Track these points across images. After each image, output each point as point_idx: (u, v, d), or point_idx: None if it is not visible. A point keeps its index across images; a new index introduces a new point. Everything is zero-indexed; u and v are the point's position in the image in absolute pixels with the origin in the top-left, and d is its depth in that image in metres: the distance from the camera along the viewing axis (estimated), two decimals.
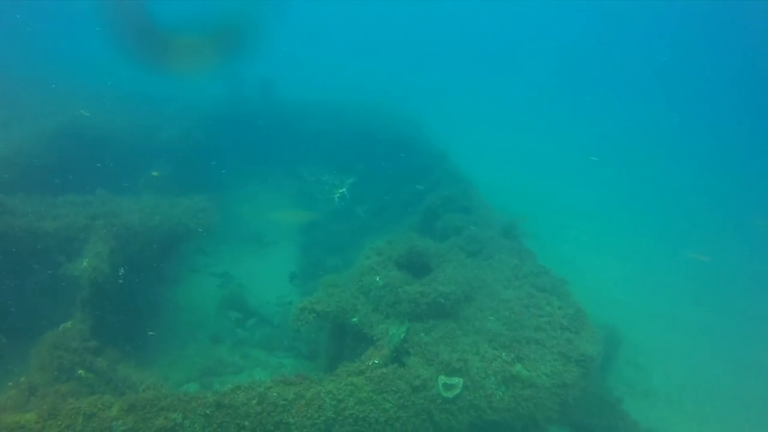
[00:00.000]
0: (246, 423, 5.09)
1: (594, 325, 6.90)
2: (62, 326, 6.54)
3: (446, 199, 10.37)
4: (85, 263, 6.87)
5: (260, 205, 15.95)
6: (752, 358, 12.74)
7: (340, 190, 14.08)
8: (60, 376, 6.12)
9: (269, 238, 14.37)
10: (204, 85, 18.70)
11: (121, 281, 8.04)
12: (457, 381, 5.60)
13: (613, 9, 49.90)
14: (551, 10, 53.63)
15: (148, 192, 9.74)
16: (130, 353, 7.94)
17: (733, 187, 28.46)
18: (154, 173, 11.70)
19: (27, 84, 15.95)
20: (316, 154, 17.22)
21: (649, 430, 8.63)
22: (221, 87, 18.43)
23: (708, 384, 11.40)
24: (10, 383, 5.86)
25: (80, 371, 5.97)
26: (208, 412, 5.07)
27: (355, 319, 6.68)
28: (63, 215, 7.81)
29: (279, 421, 5.19)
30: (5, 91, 14.07)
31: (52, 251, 7.48)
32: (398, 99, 20.32)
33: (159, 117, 14.61)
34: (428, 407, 5.49)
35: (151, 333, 8.73)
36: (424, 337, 6.24)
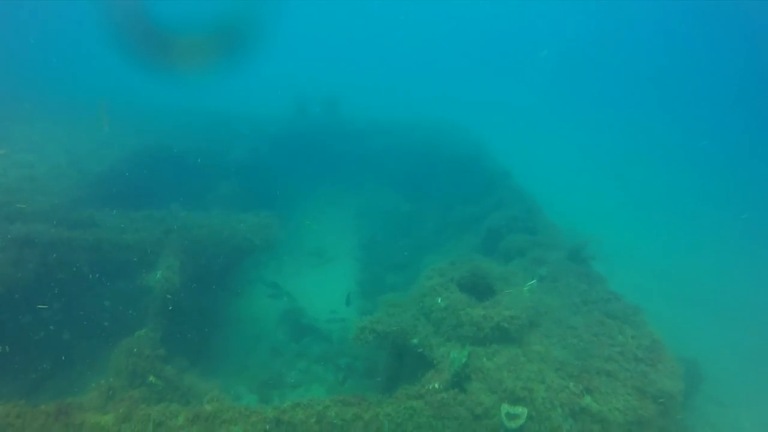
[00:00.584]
0: None
1: (673, 357, 6.38)
2: (137, 334, 6.87)
3: (509, 219, 10.08)
4: (159, 275, 7.22)
5: (324, 222, 16.26)
6: None
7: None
8: (134, 381, 6.41)
9: (330, 253, 14.59)
10: (272, 103, 19.40)
11: (190, 293, 8.39)
12: (521, 411, 5.34)
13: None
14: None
15: (218, 208, 10.14)
16: (195, 363, 8.25)
17: None
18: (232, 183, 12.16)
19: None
20: (380, 171, 17.39)
21: None
22: (288, 104, 19.02)
23: None
24: (93, 384, 6.20)
25: (151, 378, 6.23)
26: (267, 427, 5.11)
27: (415, 341, 6.56)
28: (141, 229, 8.28)
29: None
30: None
31: (131, 263, 7.93)
32: (462, 116, 20.14)
33: (231, 135, 15.29)
34: None
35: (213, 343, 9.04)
36: (487, 363, 6.02)
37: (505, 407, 5.38)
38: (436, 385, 5.70)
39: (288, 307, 11.60)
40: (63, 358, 8.01)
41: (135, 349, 6.54)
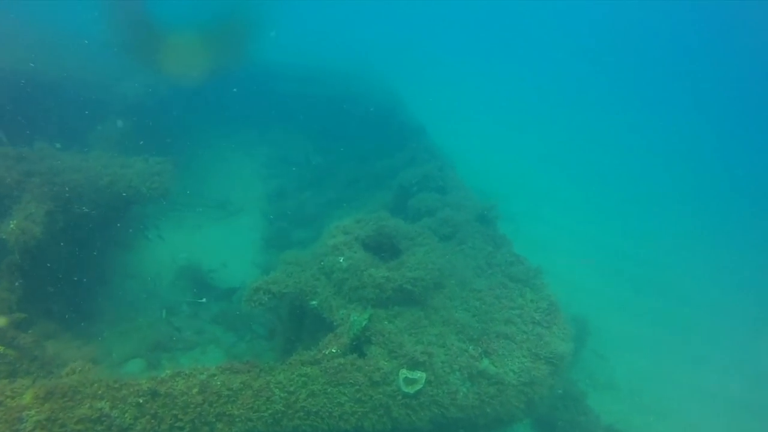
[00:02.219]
0: (184, 415, 4.58)
1: (567, 320, 6.57)
2: None
3: (421, 176, 9.83)
4: (12, 225, 6.12)
5: (229, 171, 15.17)
6: (711, 352, 12.86)
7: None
8: None
9: (235, 206, 13.69)
10: None
11: (61, 246, 7.34)
12: (420, 376, 5.19)
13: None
14: None
15: (98, 149, 8.86)
16: (70, 326, 7.33)
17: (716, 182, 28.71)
18: (119, 123, 10.71)
19: None
20: (291, 119, 16.39)
21: (610, 425, 8.49)
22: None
23: (669, 377, 11.45)
24: None
25: (0, 348, 5.32)
26: (141, 401, 4.54)
27: (314, 303, 6.17)
28: None
29: (222, 413, 4.70)
30: None
31: None
32: (381, 67, 19.39)
33: (121, 68, 13.49)
34: (387, 402, 5.07)
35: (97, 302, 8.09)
36: (388, 326, 5.79)
37: (404, 372, 5.21)
38: (334, 350, 5.38)
39: (186, 263, 10.71)
40: None
41: None
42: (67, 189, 7.25)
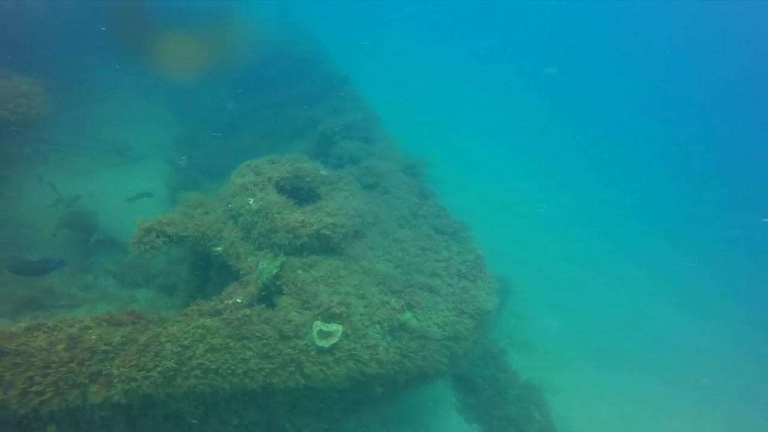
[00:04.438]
0: (44, 377, 3.72)
1: (492, 275, 6.31)
2: None
3: (344, 125, 9.16)
4: None
5: (129, 114, 13.51)
6: (619, 315, 13.57)
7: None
8: None
9: (137, 152, 12.22)
10: None
11: None
12: (336, 328, 4.66)
13: None
14: None
15: None
16: None
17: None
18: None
19: None
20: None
21: (527, 381, 8.56)
22: None
23: (577, 338, 11.89)
24: None
25: None
26: None
27: (219, 248, 5.41)
28: None
29: (96, 373, 3.89)
30: None
31: None
32: (304, 12, 18.15)
33: None
34: (299, 358, 4.49)
35: None
36: (302, 275, 5.17)
37: (318, 324, 4.64)
38: (239, 300, 4.70)
39: (71, 211, 9.32)
40: None
41: None
42: None
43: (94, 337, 4.05)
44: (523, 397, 7.91)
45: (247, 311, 4.59)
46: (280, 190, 5.99)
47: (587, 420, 9.13)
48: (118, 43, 13.47)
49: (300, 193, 6.29)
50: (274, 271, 4.91)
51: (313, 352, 4.54)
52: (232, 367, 4.28)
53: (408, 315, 5.20)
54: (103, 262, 8.57)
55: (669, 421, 9.93)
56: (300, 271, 5.21)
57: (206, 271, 6.18)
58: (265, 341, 4.45)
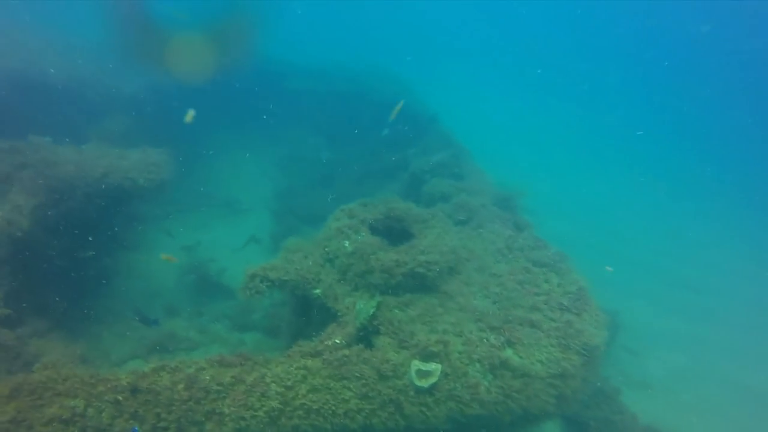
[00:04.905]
0: (168, 413, 4.06)
1: (598, 306, 5.90)
2: None
3: (435, 163, 9.26)
4: None
5: (237, 171, 14.79)
6: (751, 346, 11.94)
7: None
8: None
9: (243, 204, 13.29)
10: None
11: (54, 242, 6.95)
12: (435, 368, 4.59)
13: None
14: None
15: (96, 143, 8.50)
16: (65, 325, 6.90)
17: None
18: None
19: None
20: (302, 116, 15.95)
21: (649, 424, 7.74)
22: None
23: (706, 373, 10.60)
24: None
25: None
26: (120, 398, 4.04)
27: (317, 291, 5.63)
28: None
29: (211, 411, 4.18)
30: None
31: None
32: (391, 59, 18.91)
33: (126, 68, 13.21)
34: (398, 398, 4.48)
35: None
36: (398, 314, 5.21)
37: (416, 364, 4.62)
38: (338, 341, 4.83)
39: (191, 262, 10.29)
40: None
41: None
42: (58, 181, 6.85)
43: (207, 377, 4.37)
44: None
45: (346, 351, 4.69)
46: (374, 231, 6.16)
47: None
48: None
49: (393, 233, 6.41)
50: (371, 311, 5.00)
51: (412, 393, 4.50)
52: (333, 408, 4.37)
53: (509, 352, 5.00)
54: (216, 308, 9.26)
55: None
56: (396, 311, 5.25)
57: (307, 313, 6.43)
58: (364, 381, 4.50)
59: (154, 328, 7.65)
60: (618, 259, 14.79)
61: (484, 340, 5.03)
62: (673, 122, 34.31)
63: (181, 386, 4.23)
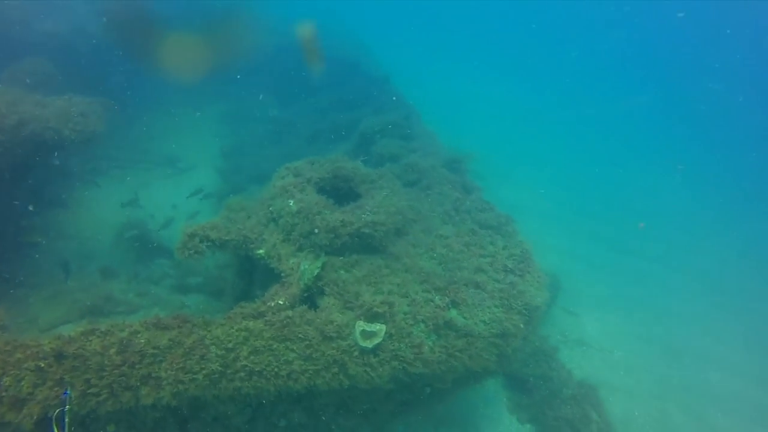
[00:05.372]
0: (99, 379, 3.84)
1: (540, 268, 6.04)
2: None
3: (385, 123, 9.08)
4: None
5: (180, 127, 14.04)
6: (680, 308, 12.78)
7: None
8: None
9: (186, 162, 12.69)
10: None
11: None
12: (379, 328, 4.57)
13: None
14: None
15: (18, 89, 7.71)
16: None
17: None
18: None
19: None
20: (249, 71, 15.19)
21: (583, 380, 8.18)
22: None
23: (636, 333, 11.28)
24: None
25: None
26: (42, 365, 3.78)
27: (261, 251, 5.45)
28: None
29: (146, 376, 3.99)
30: None
31: None
32: (348, 17, 18.22)
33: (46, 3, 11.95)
34: (342, 359, 4.44)
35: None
36: (344, 275, 5.13)
37: (361, 325, 4.58)
38: (281, 302, 4.71)
39: (127, 221, 9.77)
40: None
41: None
42: None
43: (143, 340, 4.16)
44: (578, 397, 7.54)
45: (289, 313, 4.59)
46: (320, 191, 5.99)
47: (651, 420, 8.61)
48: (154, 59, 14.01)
49: (340, 193, 6.27)
50: (316, 272, 4.89)
51: (356, 353, 4.48)
52: (276, 369, 4.28)
53: (453, 313, 5.05)
54: (156, 269, 8.89)
55: (751, 424, 9.21)
56: (342, 271, 5.17)
57: (251, 275, 6.26)
58: (307, 342, 4.43)
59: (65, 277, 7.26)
60: (564, 226, 15.26)
61: (430, 301, 5.05)
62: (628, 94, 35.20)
63: (113, 350, 4.01)
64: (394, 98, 11.19)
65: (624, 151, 24.62)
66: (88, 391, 3.82)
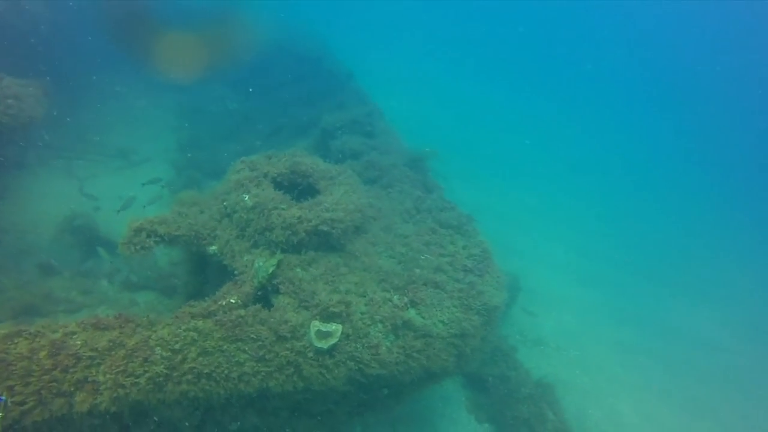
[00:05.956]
0: (24, 385, 3.53)
1: (500, 269, 6.02)
2: None
3: (346, 120, 8.92)
4: None
5: (133, 119, 13.44)
6: (635, 309, 13.18)
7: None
8: None
9: (140, 155, 12.13)
10: None
11: None
12: (335, 328, 4.42)
13: None
14: None
15: None
16: None
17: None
18: None
19: None
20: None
21: (540, 379, 8.26)
22: None
23: (590, 332, 11.55)
24: None
25: None
26: None
27: (213, 248, 5.20)
28: None
29: (82, 380, 3.71)
30: None
31: None
32: (308, 13, 17.95)
33: None
34: (296, 360, 4.26)
35: None
36: (300, 273, 4.95)
37: (316, 324, 4.41)
38: (233, 300, 4.48)
39: (73, 214, 9.21)
40: None
41: None
42: None
43: (79, 342, 3.86)
44: (535, 396, 7.61)
45: (242, 312, 4.37)
46: (277, 186, 5.78)
47: (604, 417, 8.80)
48: (120, 46, 13.41)
49: (298, 189, 6.07)
50: (271, 270, 4.70)
51: (311, 354, 4.31)
52: (226, 371, 4.07)
53: (412, 312, 4.95)
54: (104, 266, 8.43)
55: (692, 419, 9.56)
56: (298, 269, 4.98)
57: (204, 272, 5.99)
58: (260, 343, 4.23)
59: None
60: (525, 229, 15.45)
61: (388, 301, 4.93)
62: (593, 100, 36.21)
63: (43, 353, 3.70)
64: (356, 95, 11.03)
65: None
66: (12, 400, 3.51)
